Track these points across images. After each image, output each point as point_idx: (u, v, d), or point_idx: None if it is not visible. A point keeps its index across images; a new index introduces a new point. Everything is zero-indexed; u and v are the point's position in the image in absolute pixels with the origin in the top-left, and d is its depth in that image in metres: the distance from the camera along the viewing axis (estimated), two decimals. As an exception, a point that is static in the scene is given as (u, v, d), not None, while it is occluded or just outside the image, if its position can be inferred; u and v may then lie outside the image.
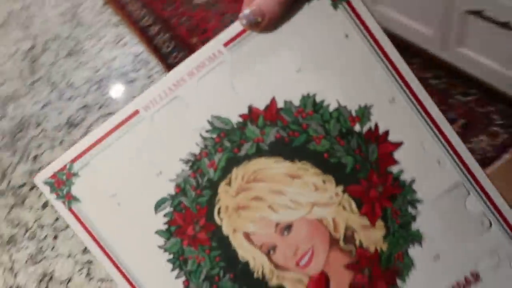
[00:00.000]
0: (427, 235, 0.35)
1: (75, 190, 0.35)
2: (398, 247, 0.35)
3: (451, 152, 0.34)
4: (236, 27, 0.33)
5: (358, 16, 0.32)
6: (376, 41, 0.32)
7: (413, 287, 0.35)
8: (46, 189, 0.35)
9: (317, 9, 0.32)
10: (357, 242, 0.35)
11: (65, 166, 0.35)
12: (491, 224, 0.35)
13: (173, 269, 0.35)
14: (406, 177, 0.34)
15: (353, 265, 0.35)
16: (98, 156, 0.34)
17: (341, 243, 0.35)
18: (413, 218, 0.35)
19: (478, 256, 0.35)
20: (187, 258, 0.35)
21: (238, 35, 0.33)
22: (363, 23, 0.32)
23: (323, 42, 0.33)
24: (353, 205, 0.35)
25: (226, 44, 0.33)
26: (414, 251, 0.35)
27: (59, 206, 0.35)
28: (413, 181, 0.34)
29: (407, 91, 0.33)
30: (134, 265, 0.35)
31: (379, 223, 0.35)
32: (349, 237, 0.35)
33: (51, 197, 0.35)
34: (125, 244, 0.35)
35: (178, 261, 0.35)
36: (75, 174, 0.35)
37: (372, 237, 0.35)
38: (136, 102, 0.34)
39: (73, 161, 0.34)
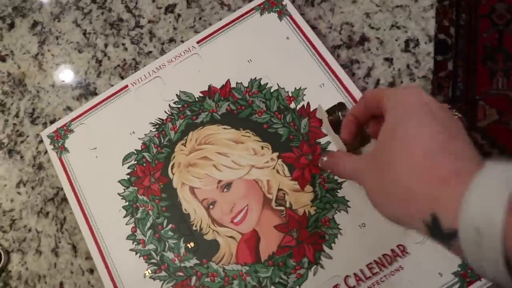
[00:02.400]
0: (352, 203, 0.37)
1: (67, 143, 0.44)
2: (325, 211, 0.37)
3: (373, 130, 0.39)
4: (207, 31, 0.44)
5: (297, 24, 0.43)
6: (309, 41, 0.42)
7: (339, 254, 0.36)
8: (47, 141, 0.44)
9: (267, 20, 0.43)
10: (288, 204, 0.38)
11: (66, 124, 0.44)
12: (415, 199, 0.37)
13: (125, 215, 0.40)
14: (333, 148, 0.39)
15: (282, 225, 0.38)
16: (91, 117, 0.44)
17: (273, 203, 0.38)
18: (339, 185, 0.38)
19: (404, 230, 0.36)
20: (139, 206, 0.40)
21: (208, 36, 0.44)
22: (300, 29, 0.42)
23: (270, 42, 0.43)
24: (286, 170, 0.39)
25: (198, 42, 0.44)
26: (340, 218, 0.37)
27: (53, 155, 0.44)
28: (339, 151, 0.39)
29: (334, 77, 0.41)
30: (96, 209, 0.41)
31: (308, 188, 0.38)
32: (280, 199, 0.38)
33: (49, 148, 0.44)
34: (93, 190, 0.42)
35: (132, 208, 0.40)
36: (71, 131, 0.44)
37: (301, 200, 0.38)
38: (128, 79, 0.45)
39: (73, 120, 0.44)
